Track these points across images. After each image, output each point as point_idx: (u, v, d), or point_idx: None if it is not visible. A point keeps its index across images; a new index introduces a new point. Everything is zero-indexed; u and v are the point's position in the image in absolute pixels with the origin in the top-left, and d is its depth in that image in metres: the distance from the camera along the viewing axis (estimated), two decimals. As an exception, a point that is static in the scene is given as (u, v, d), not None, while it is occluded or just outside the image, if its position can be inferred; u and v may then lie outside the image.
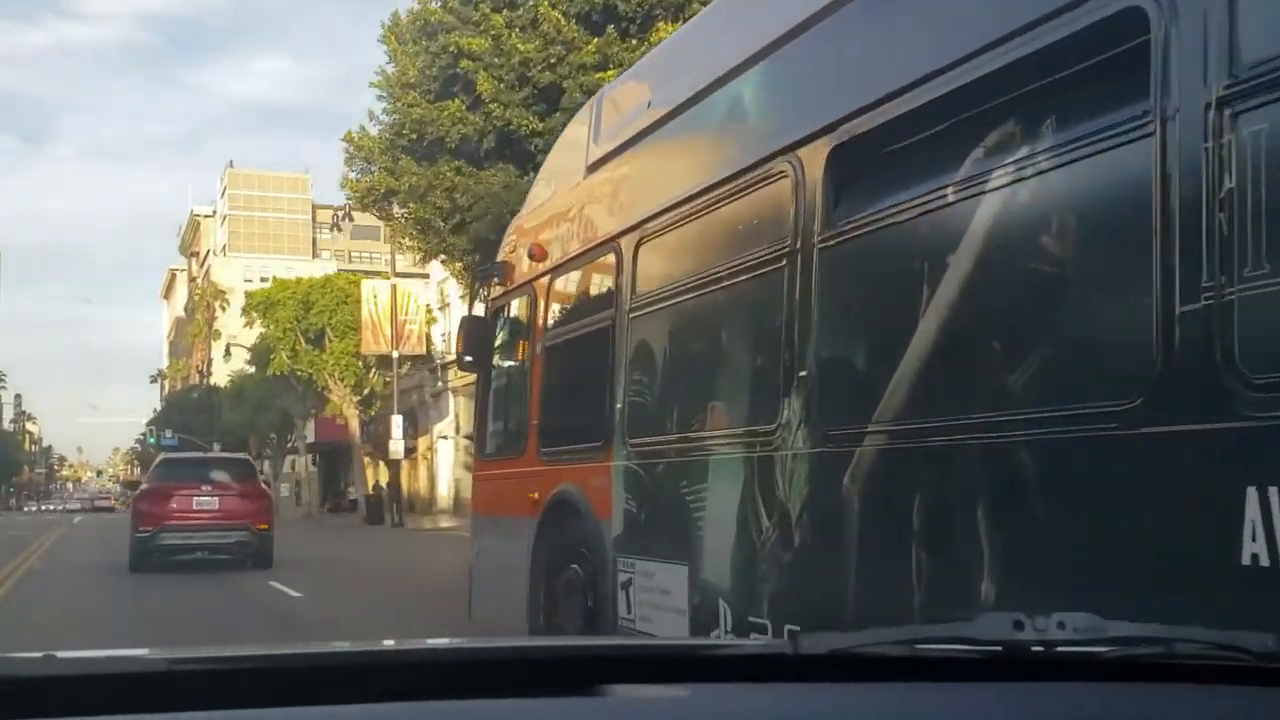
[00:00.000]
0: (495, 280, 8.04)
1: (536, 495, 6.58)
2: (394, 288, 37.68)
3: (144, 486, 18.80)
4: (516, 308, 7.60)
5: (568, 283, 6.89)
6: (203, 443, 78.06)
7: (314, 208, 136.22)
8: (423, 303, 39.77)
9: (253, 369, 64.33)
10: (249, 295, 44.83)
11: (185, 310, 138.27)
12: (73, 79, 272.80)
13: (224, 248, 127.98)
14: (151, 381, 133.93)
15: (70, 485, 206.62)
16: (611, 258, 6.03)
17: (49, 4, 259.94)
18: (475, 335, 8.00)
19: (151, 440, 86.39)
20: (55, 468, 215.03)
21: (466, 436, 44.32)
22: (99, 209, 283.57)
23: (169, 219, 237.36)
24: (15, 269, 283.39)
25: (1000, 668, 1.62)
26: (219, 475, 18.46)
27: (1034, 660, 1.61)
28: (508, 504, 7.24)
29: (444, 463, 46.73)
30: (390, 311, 36.99)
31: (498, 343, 7.89)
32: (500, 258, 8.01)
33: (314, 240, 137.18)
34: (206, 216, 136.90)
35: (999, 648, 1.62)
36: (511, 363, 7.71)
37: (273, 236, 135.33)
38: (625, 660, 1.75)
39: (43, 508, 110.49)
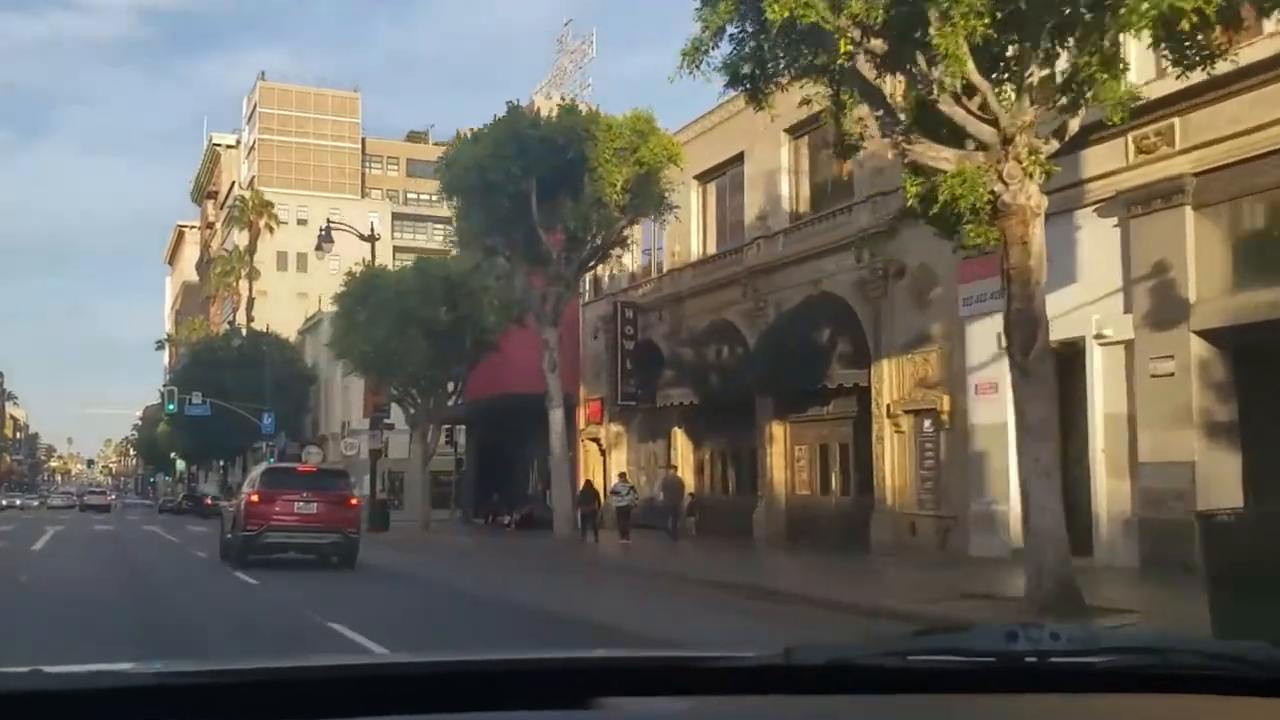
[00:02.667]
0: None
1: None
2: None
3: (249, 492, 21.81)
4: None
5: None
6: (241, 408, 51.87)
7: (363, 139, 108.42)
8: None
9: (379, 264, 36.10)
10: None
11: (197, 268, 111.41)
12: (71, 71, 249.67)
13: (252, 181, 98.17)
14: (158, 348, 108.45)
15: (59, 477, 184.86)
16: None
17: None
18: None
19: (171, 407, 59.87)
20: (43, 458, 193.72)
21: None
22: (95, 202, 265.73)
23: (167, 214, 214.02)
24: (9, 260, 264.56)
25: (994, 679, 1.62)
26: (317, 484, 21.94)
27: (1028, 671, 1.61)
28: None
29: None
30: None
31: None
32: None
33: (363, 176, 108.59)
34: (229, 147, 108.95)
35: (993, 659, 1.62)
36: None
37: (313, 168, 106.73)
38: (619, 672, 1.72)
39: (3, 503, 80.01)
